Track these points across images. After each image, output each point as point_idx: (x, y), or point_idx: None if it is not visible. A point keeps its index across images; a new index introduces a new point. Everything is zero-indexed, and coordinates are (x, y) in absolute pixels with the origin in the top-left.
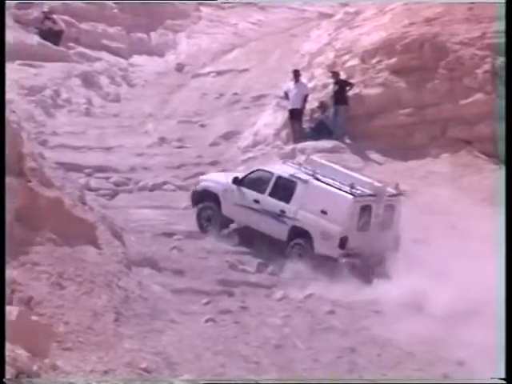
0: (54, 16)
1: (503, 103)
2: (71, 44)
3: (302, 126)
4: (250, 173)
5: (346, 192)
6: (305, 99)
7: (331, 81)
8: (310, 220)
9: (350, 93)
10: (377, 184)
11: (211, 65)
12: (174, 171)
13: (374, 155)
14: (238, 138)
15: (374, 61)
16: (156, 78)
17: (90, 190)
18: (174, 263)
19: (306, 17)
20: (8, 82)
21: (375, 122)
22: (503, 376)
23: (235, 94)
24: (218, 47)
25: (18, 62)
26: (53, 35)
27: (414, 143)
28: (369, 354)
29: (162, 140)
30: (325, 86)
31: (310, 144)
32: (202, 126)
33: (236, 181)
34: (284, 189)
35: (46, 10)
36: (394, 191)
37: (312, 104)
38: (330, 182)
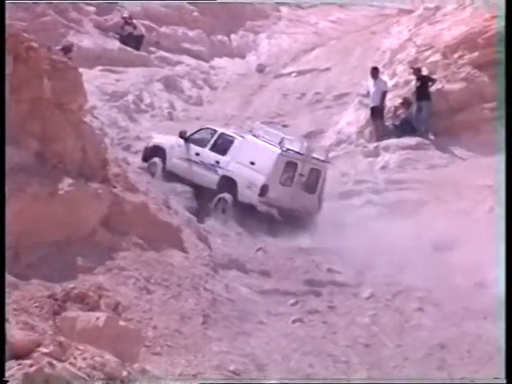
0: (134, 21)
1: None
2: (152, 48)
3: (384, 123)
4: (198, 130)
5: (275, 146)
6: (383, 96)
7: (413, 77)
8: (238, 169)
9: (433, 88)
10: (305, 144)
11: (292, 65)
12: None
13: (458, 151)
14: (321, 137)
15: (456, 56)
16: (237, 80)
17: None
18: (261, 264)
19: (386, 13)
20: (90, 88)
21: (459, 117)
22: (503, 376)
23: (317, 93)
24: (299, 47)
25: (99, 67)
26: (133, 40)
27: (498, 138)
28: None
29: None
30: (407, 82)
31: (393, 141)
32: (285, 126)
33: (182, 135)
34: (223, 144)
35: (125, 15)
36: (321, 157)
37: (394, 101)
38: (265, 138)
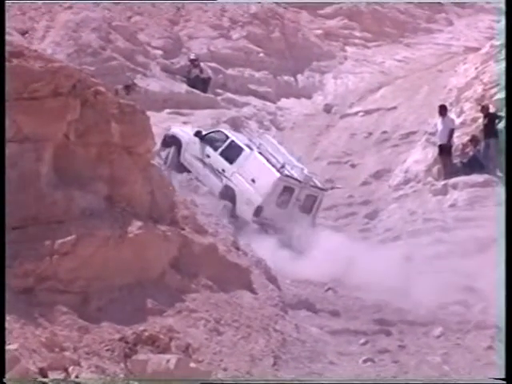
0: (201, 64)
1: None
2: (219, 90)
3: (452, 161)
4: (212, 131)
5: (276, 170)
6: (451, 134)
7: (480, 115)
8: (240, 183)
9: (500, 126)
10: (306, 173)
11: (359, 104)
12: (326, 212)
13: None
14: (388, 176)
15: None
16: (304, 120)
17: None
18: (330, 304)
19: (452, 51)
20: (158, 131)
21: None
22: (503, 376)
23: (384, 132)
24: (365, 86)
25: (167, 110)
26: (200, 82)
27: None
28: None
29: None
30: (474, 120)
31: (461, 179)
32: (352, 165)
33: (198, 134)
34: (232, 152)
35: (192, 57)
36: (320, 185)
37: (462, 139)
38: (269, 157)
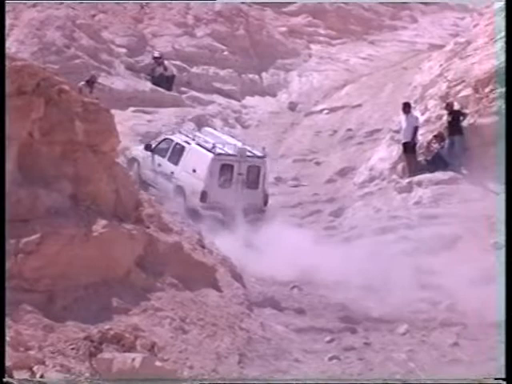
0: (165, 62)
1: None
2: (183, 88)
3: (416, 158)
4: (160, 142)
5: (209, 151)
6: (415, 132)
7: (445, 112)
8: (185, 178)
9: (465, 123)
10: (238, 145)
11: (323, 102)
12: (291, 210)
13: (491, 185)
14: (353, 173)
15: (487, 89)
16: (269, 118)
17: None
18: (296, 302)
19: (416, 49)
20: (122, 129)
21: (491, 151)
22: (503, 376)
23: (349, 129)
24: (330, 84)
25: (132, 108)
26: (165, 80)
27: None
28: None
29: (278, 179)
30: (439, 117)
31: (426, 176)
32: (317, 163)
33: (147, 148)
34: (177, 153)
35: (156, 55)
36: (259, 153)
37: (427, 136)
38: (204, 145)
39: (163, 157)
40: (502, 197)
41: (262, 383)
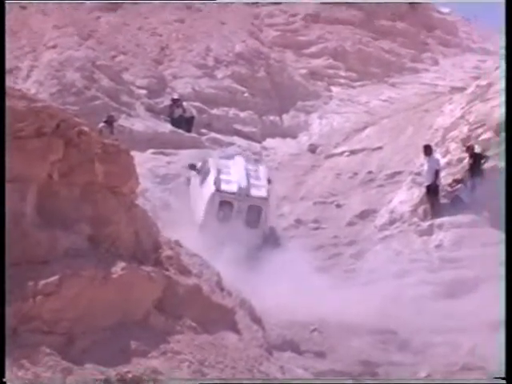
0: (184, 103)
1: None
2: (203, 130)
3: (439, 201)
4: (203, 163)
5: (213, 184)
6: (437, 174)
7: (466, 155)
8: (197, 207)
9: (486, 166)
10: (241, 185)
11: (344, 144)
12: (313, 253)
13: None
14: (374, 216)
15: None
16: (290, 160)
17: None
18: (316, 345)
19: (437, 91)
20: (142, 171)
21: None
22: (503, 376)
23: (369, 172)
24: (351, 126)
25: (151, 150)
26: (184, 122)
27: None
28: None
29: (299, 222)
30: (460, 160)
31: (447, 219)
32: (338, 206)
33: (191, 167)
34: (204, 177)
35: (175, 97)
36: (262, 194)
37: (448, 179)
38: (215, 177)
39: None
40: None
41: (262, 383)
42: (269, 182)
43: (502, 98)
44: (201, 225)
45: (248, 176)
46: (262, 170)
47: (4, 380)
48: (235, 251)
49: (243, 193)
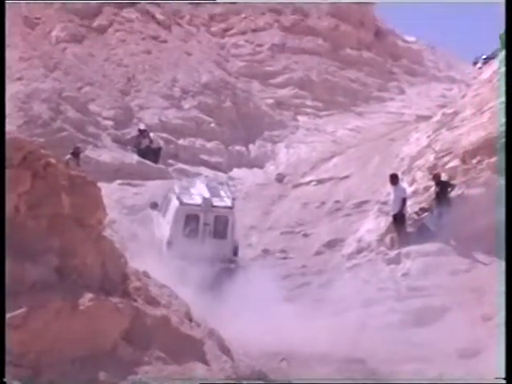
0: (151, 134)
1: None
2: (170, 161)
3: (405, 229)
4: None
5: (176, 199)
6: (403, 203)
7: (433, 183)
8: (162, 227)
9: (453, 194)
10: (204, 195)
11: (311, 173)
12: (279, 282)
13: (480, 256)
14: (341, 245)
15: (475, 161)
16: (257, 190)
17: None
18: (285, 375)
19: (404, 120)
20: (109, 202)
21: (480, 221)
22: (503, 376)
23: (337, 201)
24: (317, 155)
25: (118, 181)
26: (151, 153)
27: None
28: None
29: (266, 252)
30: (426, 188)
31: (414, 248)
32: (305, 235)
33: (153, 206)
34: (166, 207)
35: (141, 127)
36: (227, 204)
37: (414, 207)
38: (177, 195)
39: (163, 213)
40: (491, 267)
41: (262, 383)
42: (232, 199)
43: (471, 124)
44: (168, 242)
45: (210, 190)
46: (224, 189)
47: (4, 380)
48: (203, 275)
49: (208, 203)
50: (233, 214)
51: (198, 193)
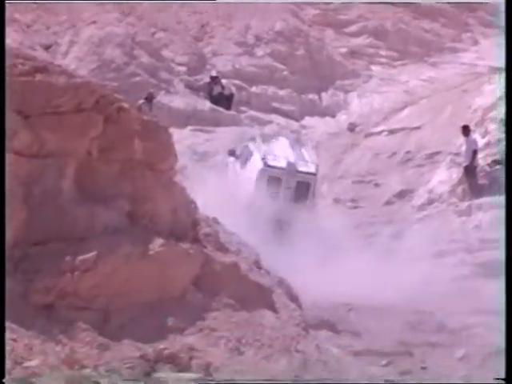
0: (224, 81)
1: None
2: (242, 108)
3: (477, 181)
4: (242, 148)
5: (261, 160)
6: (474, 155)
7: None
8: (239, 177)
9: None
10: (290, 159)
11: (383, 123)
12: (349, 232)
13: None
14: (412, 196)
15: None
16: (328, 139)
17: None
18: (352, 325)
19: (477, 72)
20: (180, 148)
21: None
22: (503, 376)
23: (408, 152)
24: (390, 106)
25: (190, 127)
26: (224, 99)
27: None
28: None
29: (337, 201)
30: (499, 140)
31: (485, 200)
32: (376, 185)
33: (231, 153)
34: (246, 160)
35: (213, 74)
36: (310, 170)
37: (487, 159)
38: (262, 155)
39: (241, 163)
40: None
41: (266, 383)
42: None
43: None
44: (250, 202)
45: (294, 152)
46: (307, 150)
47: (3, 380)
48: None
49: (293, 168)
50: (315, 180)
51: (282, 154)
